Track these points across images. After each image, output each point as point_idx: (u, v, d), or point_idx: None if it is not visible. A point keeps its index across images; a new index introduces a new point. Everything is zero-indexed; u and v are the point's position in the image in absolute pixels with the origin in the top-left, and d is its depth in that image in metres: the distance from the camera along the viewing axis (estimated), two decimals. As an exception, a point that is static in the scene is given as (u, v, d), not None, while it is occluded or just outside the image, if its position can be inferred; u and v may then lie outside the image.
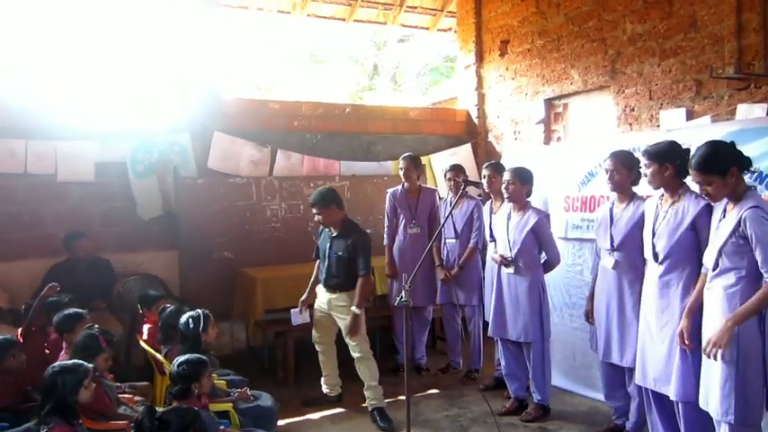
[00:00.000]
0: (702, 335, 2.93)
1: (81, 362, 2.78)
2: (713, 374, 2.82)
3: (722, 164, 2.76)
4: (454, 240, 5.01)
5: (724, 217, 2.84)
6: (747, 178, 3.32)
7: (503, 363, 4.47)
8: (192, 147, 5.77)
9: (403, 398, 4.01)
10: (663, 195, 3.29)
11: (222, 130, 5.91)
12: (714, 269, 2.87)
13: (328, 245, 4.34)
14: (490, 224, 4.61)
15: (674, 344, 3.15)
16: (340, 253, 4.27)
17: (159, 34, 6.08)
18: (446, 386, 4.96)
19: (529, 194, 4.27)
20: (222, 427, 3.07)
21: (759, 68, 4.24)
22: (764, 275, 2.66)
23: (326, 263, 4.36)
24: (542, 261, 4.28)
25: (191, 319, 3.58)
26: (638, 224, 3.53)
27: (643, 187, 3.75)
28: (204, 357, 3.10)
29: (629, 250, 3.60)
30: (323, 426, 4.26)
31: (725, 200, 2.86)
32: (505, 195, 4.25)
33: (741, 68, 4.33)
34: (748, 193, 2.79)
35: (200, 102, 5.84)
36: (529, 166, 4.38)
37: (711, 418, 3.01)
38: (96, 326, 3.37)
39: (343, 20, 7.69)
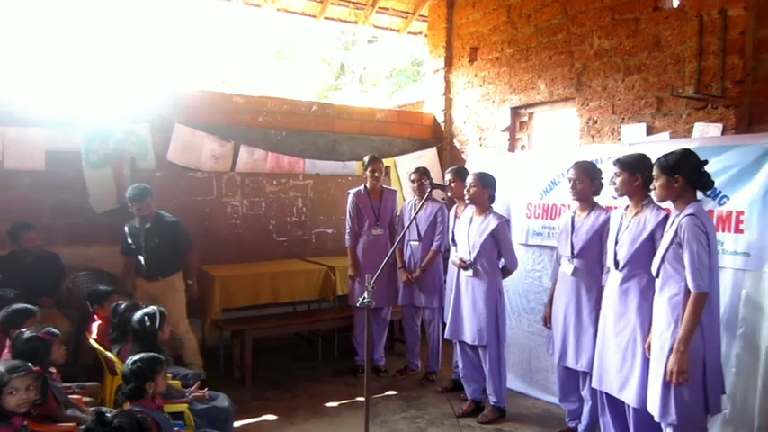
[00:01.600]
0: (652, 344, 3.02)
1: (15, 364, 2.62)
2: (655, 379, 2.95)
3: (673, 168, 2.94)
4: (417, 243, 5.02)
5: (671, 226, 2.97)
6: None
7: (460, 365, 4.50)
8: (151, 138, 5.61)
9: (361, 399, 4.01)
10: (627, 206, 3.38)
11: (183, 122, 5.77)
12: (657, 276, 3.00)
13: (142, 237, 4.67)
14: (453, 228, 4.64)
15: (628, 350, 3.24)
16: (158, 240, 4.66)
17: (120, 19, 5.91)
18: (404, 388, 4.96)
19: (491, 200, 4.32)
20: (177, 428, 2.98)
21: (716, 90, 4.38)
22: (689, 285, 2.81)
23: (144, 255, 4.68)
24: (501, 266, 4.33)
25: (146, 317, 3.46)
26: (598, 233, 3.65)
27: (604, 198, 3.85)
28: (160, 356, 3.01)
29: (588, 258, 3.70)
30: (280, 426, 4.20)
31: (676, 211, 2.99)
32: (466, 198, 4.31)
33: (700, 89, 4.46)
34: (692, 204, 2.92)
35: (161, 92, 5.69)
36: (493, 172, 4.44)
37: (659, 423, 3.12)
38: (26, 329, 3.14)
39: (314, 16, 7.61)
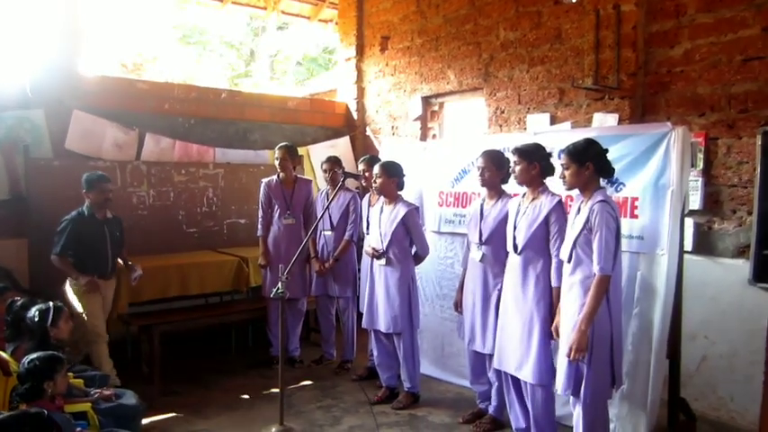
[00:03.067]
0: (561, 325, 3.18)
1: None
2: (564, 358, 3.10)
3: (583, 156, 3.09)
4: (330, 232, 5.01)
5: (578, 213, 3.13)
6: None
7: (375, 353, 4.55)
8: (47, 125, 5.24)
9: (276, 390, 3.97)
10: (525, 194, 3.56)
11: (83, 108, 5.43)
12: (569, 261, 3.15)
13: (102, 231, 4.43)
14: (368, 217, 4.67)
15: (525, 329, 3.42)
16: (118, 233, 4.57)
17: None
18: (319, 377, 4.96)
19: (400, 188, 4.38)
20: (79, 429, 2.84)
21: (612, 82, 4.65)
22: (594, 268, 2.98)
23: (111, 249, 4.47)
24: (413, 253, 4.40)
25: (37, 312, 3.27)
26: (505, 220, 3.77)
27: (514, 186, 3.99)
28: (60, 354, 2.84)
29: (496, 244, 3.82)
30: (192, 421, 4.09)
31: (581, 198, 3.15)
32: (374, 188, 4.36)
33: (598, 80, 4.72)
34: (599, 191, 3.11)
35: (57, 76, 5.31)
36: (405, 161, 4.50)
37: (554, 398, 3.37)
38: None
39: (221, 1, 7.39)
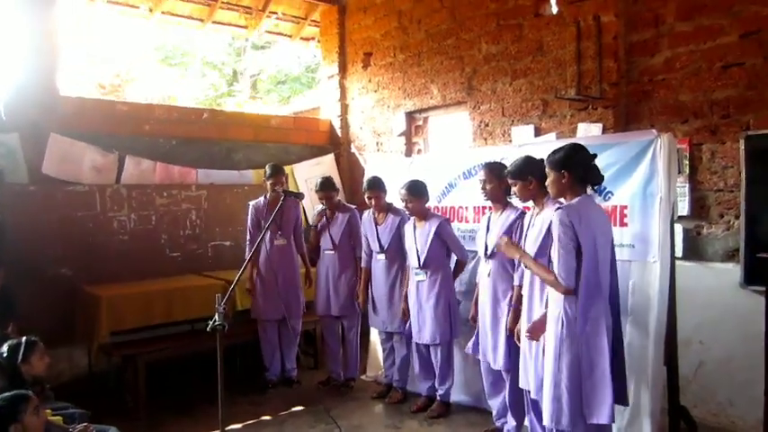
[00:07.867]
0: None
1: None
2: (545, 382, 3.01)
3: (560, 164, 2.98)
4: (332, 252, 4.94)
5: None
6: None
7: (416, 365, 4.54)
8: (23, 149, 5.11)
9: (267, 417, 3.85)
10: (533, 207, 3.50)
11: (60, 131, 5.31)
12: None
13: None
14: (376, 234, 4.66)
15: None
16: None
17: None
18: (312, 401, 4.79)
19: (426, 201, 4.39)
20: (59, 468, 2.71)
21: (595, 92, 4.65)
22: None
23: None
24: (455, 262, 4.39)
25: (8, 348, 3.11)
26: (509, 232, 3.68)
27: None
28: (25, 392, 2.67)
29: (502, 258, 3.74)
30: (178, 455, 3.95)
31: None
32: (407, 212, 4.39)
33: (580, 91, 4.71)
34: (549, 200, 3.25)
35: (32, 98, 5.18)
36: (391, 177, 4.48)
37: None
38: None
39: (201, 20, 7.33)
